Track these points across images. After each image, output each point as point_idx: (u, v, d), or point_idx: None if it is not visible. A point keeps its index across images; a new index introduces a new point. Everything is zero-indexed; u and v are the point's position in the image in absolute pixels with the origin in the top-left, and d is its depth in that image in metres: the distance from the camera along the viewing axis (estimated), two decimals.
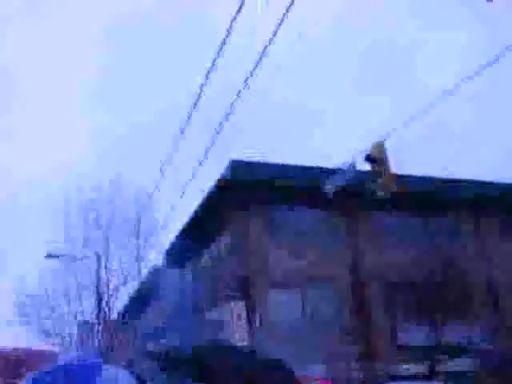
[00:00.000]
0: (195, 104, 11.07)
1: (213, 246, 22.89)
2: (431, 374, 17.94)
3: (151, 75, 75.49)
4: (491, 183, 22.96)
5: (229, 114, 10.58)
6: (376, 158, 10.60)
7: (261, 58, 8.98)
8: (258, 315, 18.29)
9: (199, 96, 10.73)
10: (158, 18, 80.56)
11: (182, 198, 15.69)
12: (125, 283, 25.40)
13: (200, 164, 13.21)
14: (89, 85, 76.17)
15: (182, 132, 12.61)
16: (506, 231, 22.78)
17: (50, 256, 23.32)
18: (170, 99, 71.65)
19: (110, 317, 25.29)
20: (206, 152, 12.61)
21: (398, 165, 13.99)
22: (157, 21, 78.60)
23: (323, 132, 68.96)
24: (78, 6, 70.10)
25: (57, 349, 25.57)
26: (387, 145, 10.92)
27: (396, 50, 72.59)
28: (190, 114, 11.21)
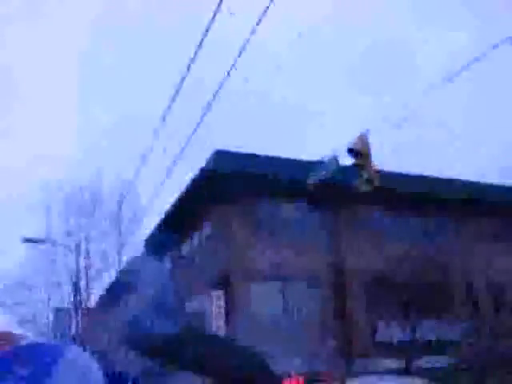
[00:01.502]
0: (174, 97, 10.90)
1: (194, 237, 22.70)
2: (407, 370, 17.99)
3: (151, 75, 74.72)
4: (491, 183, 22.82)
5: (210, 103, 10.42)
6: (359, 151, 10.46)
7: (248, 40, 8.82)
8: (237, 307, 18.18)
9: (179, 88, 10.55)
10: (158, 18, 79.71)
11: (162, 185, 15.53)
12: (105, 270, 25.17)
13: (181, 152, 13.05)
14: (88, 84, 75.29)
15: (164, 119, 12.43)
16: (504, 231, 22.52)
17: (27, 241, 22.72)
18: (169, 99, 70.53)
19: (87, 304, 25.05)
20: (188, 140, 12.45)
21: (398, 164, 13.89)
22: (157, 21, 77.87)
23: (323, 132, 68.69)
24: (78, 5, 69.14)
25: (30, 334, 25.19)
26: (386, 145, 10.82)
27: (396, 49, 72.37)
28: (170, 104, 11.03)
